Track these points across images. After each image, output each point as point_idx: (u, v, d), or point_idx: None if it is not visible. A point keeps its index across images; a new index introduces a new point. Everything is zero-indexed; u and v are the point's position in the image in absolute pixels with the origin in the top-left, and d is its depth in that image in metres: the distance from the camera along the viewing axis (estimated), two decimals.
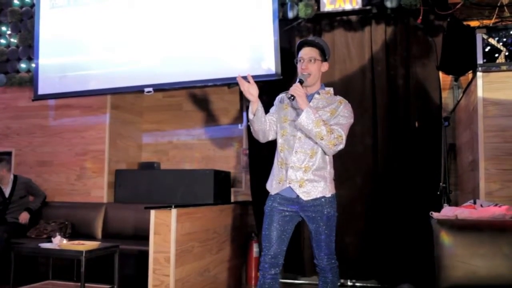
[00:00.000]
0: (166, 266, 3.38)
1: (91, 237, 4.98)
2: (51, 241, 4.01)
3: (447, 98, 4.71)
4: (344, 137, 2.78)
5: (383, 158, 4.53)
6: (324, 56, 2.94)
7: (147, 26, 5.00)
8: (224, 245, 4.32)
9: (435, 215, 2.90)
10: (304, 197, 2.80)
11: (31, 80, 5.61)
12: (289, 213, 2.85)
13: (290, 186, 2.82)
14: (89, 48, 5.23)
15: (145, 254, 3.51)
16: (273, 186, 2.92)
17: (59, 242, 3.94)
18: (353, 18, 4.73)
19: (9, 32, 5.98)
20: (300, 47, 2.96)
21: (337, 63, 4.74)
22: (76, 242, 3.97)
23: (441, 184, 4.08)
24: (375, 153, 4.57)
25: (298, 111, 2.79)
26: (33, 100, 5.51)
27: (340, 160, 4.63)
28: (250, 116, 2.87)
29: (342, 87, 4.68)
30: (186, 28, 4.85)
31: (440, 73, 4.49)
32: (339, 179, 4.60)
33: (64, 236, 4.65)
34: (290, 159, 2.83)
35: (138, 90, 5.07)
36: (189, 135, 5.70)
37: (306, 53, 2.90)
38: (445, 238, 2.66)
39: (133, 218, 4.92)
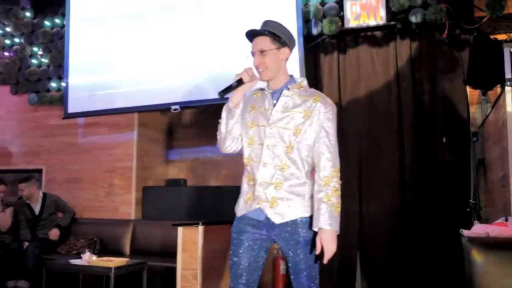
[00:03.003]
0: (194, 283, 3.39)
1: (119, 253, 5.03)
2: (80, 257, 4.08)
3: (475, 113, 4.64)
4: (338, 164, 2.26)
5: (410, 174, 4.48)
6: (280, 41, 2.37)
7: (174, 44, 5.09)
8: None
9: (465, 232, 2.85)
10: (276, 219, 2.23)
11: (61, 99, 5.75)
12: (259, 236, 2.29)
13: (259, 207, 2.26)
14: (117, 67, 5.35)
15: (173, 270, 3.52)
16: (239, 206, 2.38)
17: (88, 258, 4.01)
18: (378, 33, 4.74)
19: (40, 52, 6.16)
20: (249, 39, 2.45)
21: (362, 79, 4.74)
22: (105, 258, 4.04)
23: (470, 200, 4.00)
24: (402, 169, 4.53)
25: (265, 113, 2.33)
26: (63, 118, 5.65)
27: (366, 176, 4.63)
28: (230, 105, 2.42)
29: (368, 103, 4.68)
30: (211, 46, 4.92)
31: (468, 88, 4.45)
32: (366, 196, 4.61)
33: (93, 252, 4.72)
34: (258, 174, 2.27)
35: (165, 107, 5.15)
36: (215, 152, 5.69)
37: (256, 44, 2.39)
38: (477, 256, 2.62)
39: (161, 235, 4.96)
